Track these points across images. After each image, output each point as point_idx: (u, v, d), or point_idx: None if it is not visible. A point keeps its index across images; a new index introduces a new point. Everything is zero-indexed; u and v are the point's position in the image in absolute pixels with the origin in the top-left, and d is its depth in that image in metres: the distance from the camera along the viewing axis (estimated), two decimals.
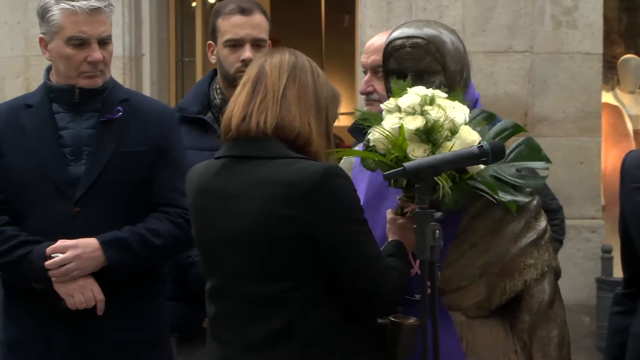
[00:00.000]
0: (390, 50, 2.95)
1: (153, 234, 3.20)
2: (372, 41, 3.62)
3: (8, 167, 3.22)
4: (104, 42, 3.23)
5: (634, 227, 3.00)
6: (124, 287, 3.21)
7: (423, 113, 2.75)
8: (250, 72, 2.70)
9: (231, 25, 3.60)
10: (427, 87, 2.88)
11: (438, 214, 2.63)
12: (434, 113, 2.74)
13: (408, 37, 2.92)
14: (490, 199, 2.77)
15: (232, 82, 3.58)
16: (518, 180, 2.85)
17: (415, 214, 2.55)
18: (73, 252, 3.09)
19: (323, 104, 2.66)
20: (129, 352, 3.23)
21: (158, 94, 7.20)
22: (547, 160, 2.91)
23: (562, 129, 6.77)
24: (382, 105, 2.85)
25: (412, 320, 2.76)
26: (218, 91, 3.68)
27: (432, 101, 2.77)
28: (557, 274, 3.03)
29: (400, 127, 2.73)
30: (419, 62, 2.91)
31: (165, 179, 3.26)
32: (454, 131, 2.74)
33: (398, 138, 2.73)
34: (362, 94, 3.62)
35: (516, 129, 2.94)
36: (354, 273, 2.60)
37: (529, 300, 2.95)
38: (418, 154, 2.71)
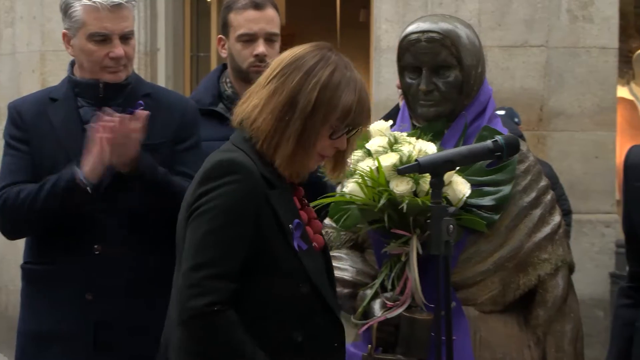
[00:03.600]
0: (406, 44, 2.96)
1: (177, 178, 3.25)
2: None
3: (38, 155, 3.25)
4: (126, 37, 3.24)
5: None
6: (144, 274, 3.24)
7: (395, 150, 2.78)
8: None
9: (245, 20, 3.61)
10: (442, 83, 2.90)
11: (452, 209, 2.64)
12: (405, 149, 2.77)
13: (424, 32, 2.93)
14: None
15: (245, 76, 3.60)
16: (486, 178, 2.87)
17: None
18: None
19: (303, 107, 2.49)
20: (155, 344, 3.24)
21: (173, 89, 7.20)
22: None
23: (578, 124, 6.75)
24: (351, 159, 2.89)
25: (425, 314, 2.77)
26: (229, 84, 3.69)
27: (396, 140, 2.83)
28: (571, 268, 3.03)
29: (379, 165, 2.77)
30: (435, 56, 2.92)
31: (183, 160, 3.29)
32: None
33: (378, 176, 2.77)
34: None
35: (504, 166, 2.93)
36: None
37: (543, 295, 2.96)
38: (402, 188, 2.75)
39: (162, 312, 3.28)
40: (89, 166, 3.09)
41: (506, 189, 2.88)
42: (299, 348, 2.49)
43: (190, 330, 2.44)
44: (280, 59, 2.57)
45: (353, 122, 2.54)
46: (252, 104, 2.54)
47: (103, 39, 3.21)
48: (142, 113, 3.11)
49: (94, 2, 3.17)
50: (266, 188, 2.48)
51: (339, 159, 2.63)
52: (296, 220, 2.53)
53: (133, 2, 3.27)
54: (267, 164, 2.52)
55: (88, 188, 3.10)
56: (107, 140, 3.07)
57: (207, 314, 2.39)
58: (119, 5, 3.19)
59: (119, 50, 3.21)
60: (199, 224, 2.46)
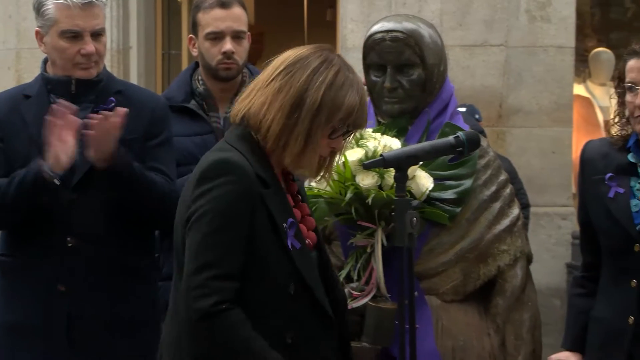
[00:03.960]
0: (371, 43, 2.96)
1: (150, 173, 3.23)
2: None
3: (11, 152, 3.23)
4: (97, 34, 3.22)
5: (597, 217, 3.03)
6: (118, 268, 3.22)
7: (361, 145, 2.79)
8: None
9: (212, 19, 3.60)
10: (405, 81, 2.91)
11: (416, 202, 2.64)
12: (371, 144, 2.78)
13: (388, 31, 2.93)
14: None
15: (215, 73, 3.61)
16: (448, 172, 2.88)
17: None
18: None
19: (309, 106, 2.45)
20: (124, 330, 3.24)
21: (145, 86, 7.15)
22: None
23: (536, 120, 6.79)
24: None
25: (390, 304, 2.78)
26: (201, 82, 3.68)
27: (362, 136, 2.83)
28: (529, 259, 3.05)
29: (345, 161, 2.78)
30: (399, 55, 2.92)
31: (155, 156, 3.28)
32: None
33: (345, 170, 2.78)
34: None
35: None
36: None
37: (502, 285, 2.97)
38: (368, 182, 2.76)
39: (136, 305, 3.29)
40: (52, 158, 3.06)
41: (467, 183, 2.90)
42: (291, 349, 2.45)
43: (201, 332, 2.40)
44: (283, 58, 2.53)
45: (353, 123, 2.51)
46: (258, 102, 2.49)
47: (74, 35, 3.18)
48: (121, 110, 3.08)
49: (65, 0, 3.15)
50: (261, 187, 2.45)
51: (328, 160, 2.59)
52: (290, 219, 2.49)
53: (104, 1, 3.25)
54: (263, 163, 2.49)
55: (55, 180, 3.07)
56: (88, 135, 3.05)
57: (215, 314, 2.36)
58: (90, 3, 3.18)
59: (90, 47, 3.19)
60: (198, 228, 2.42)
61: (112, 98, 3.25)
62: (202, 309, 2.37)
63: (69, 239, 3.19)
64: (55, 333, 3.19)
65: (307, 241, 2.55)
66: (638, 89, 2.98)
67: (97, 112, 3.19)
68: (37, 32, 3.27)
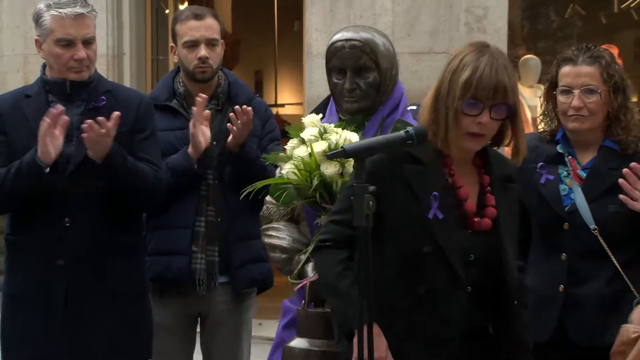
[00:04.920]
0: (333, 50, 2.94)
1: (140, 164, 3.23)
2: None
3: (12, 144, 3.21)
4: (88, 42, 3.22)
5: (530, 200, 3.03)
6: (110, 245, 3.21)
7: (325, 138, 2.77)
8: None
9: (188, 29, 3.59)
10: (362, 83, 2.89)
11: (372, 188, 2.62)
12: (333, 137, 2.76)
13: (347, 40, 2.91)
14: None
15: (192, 76, 3.62)
16: None
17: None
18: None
19: (443, 92, 2.49)
20: (116, 302, 3.23)
21: (137, 87, 7.13)
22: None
23: None
24: (287, 146, 2.87)
25: None
26: (181, 83, 3.67)
27: (326, 130, 2.82)
28: None
29: (311, 152, 2.76)
30: (356, 60, 2.90)
31: (143, 148, 3.28)
32: None
33: (310, 160, 2.75)
34: None
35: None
36: None
37: None
38: (331, 171, 2.74)
39: (125, 278, 3.27)
40: (40, 150, 3.06)
41: None
42: (423, 299, 2.45)
43: (314, 259, 2.66)
44: None
45: (476, 96, 2.43)
46: None
47: (68, 43, 3.19)
48: (116, 114, 3.08)
49: (59, 12, 3.16)
50: (408, 163, 2.48)
51: (515, 142, 2.54)
52: (435, 193, 2.46)
53: (94, 13, 3.26)
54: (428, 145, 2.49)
55: (45, 169, 3.07)
56: (84, 139, 3.06)
57: (319, 248, 2.55)
58: (81, 14, 3.19)
59: (81, 53, 3.19)
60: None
61: (102, 97, 3.25)
62: (316, 242, 2.57)
63: (66, 219, 3.19)
64: (54, 301, 3.19)
65: (475, 219, 2.51)
66: (573, 92, 3.00)
67: (89, 109, 3.21)
68: (36, 41, 3.28)
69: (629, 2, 10.38)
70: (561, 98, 3.05)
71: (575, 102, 3.01)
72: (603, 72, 3.01)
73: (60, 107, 3.07)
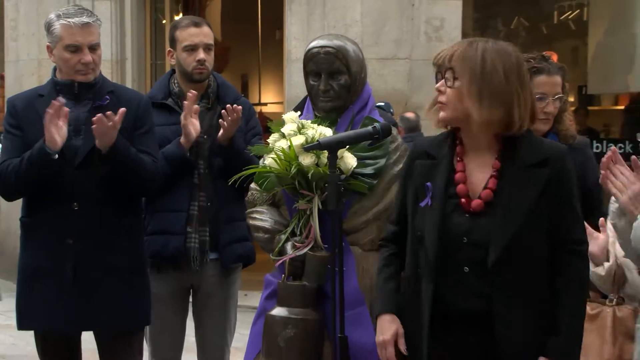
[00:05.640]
0: (310, 56, 2.94)
1: (141, 155, 3.23)
2: None
3: (27, 139, 3.19)
4: (93, 47, 3.22)
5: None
6: (113, 226, 3.20)
7: (302, 133, 2.78)
8: None
9: (188, 35, 3.59)
10: (335, 84, 2.89)
11: (343, 176, 2.63)
12: (310, 132, 2.77)
13: (322, 47, 2.91)
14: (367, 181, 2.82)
15: (189, 77, 3.60)
16: (367, 154, 2.87)
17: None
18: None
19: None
20: (119, 275, 3.23)
21: (137, 89, 7.10)
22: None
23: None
24: (269, 140, 2.88)
25: (324, 253, 2.77)
26: (176, 84, 3.66)
27: (303, 126, 2.82)
28: None
29: (290, 144, 2.76)
30: (330, 65, 2.89)
31: (142, 142, 3.27)
32: None
33: (290, 152, 2.76)
34: None
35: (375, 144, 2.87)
36: None
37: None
38: (308, 161, 2.75)
39: (127, 255, 3.25)
40: (47, 138, 3.05)
41: (382, 162, 2.88)
42: (409, 281, 2.50)
43: None
44: None
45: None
46: None
47: (75, 49, 3.18)
48: (122, 110, 3.08)
49: (68, 21, 3.16)
50: (422, 159, 2.47)
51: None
52: (428, 184, 2.40)
53: (99, 22, 3.25)
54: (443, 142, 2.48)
55: (52, 156, 3.06)
56: (93, 130, 3.05)
57: (379, 246, 2.65)
58: (88, 23, 3.18)
59: (87, 57, 3.19)
60: None
61: (106, 96, 3.25)
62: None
63: (75, 204, 3.17)
64: (64, 276, 3.17)
65: (463, 200, 2.37)
66: (548, 99, 3.04)
67: (95, 107, 3.19)
68: (48, 47, 3.27)
69: (567, 14, 10.46)
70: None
71: (550, 108, 3.07)
72: (563, 80, 3.10)
73: (61, 100, 3.06)
